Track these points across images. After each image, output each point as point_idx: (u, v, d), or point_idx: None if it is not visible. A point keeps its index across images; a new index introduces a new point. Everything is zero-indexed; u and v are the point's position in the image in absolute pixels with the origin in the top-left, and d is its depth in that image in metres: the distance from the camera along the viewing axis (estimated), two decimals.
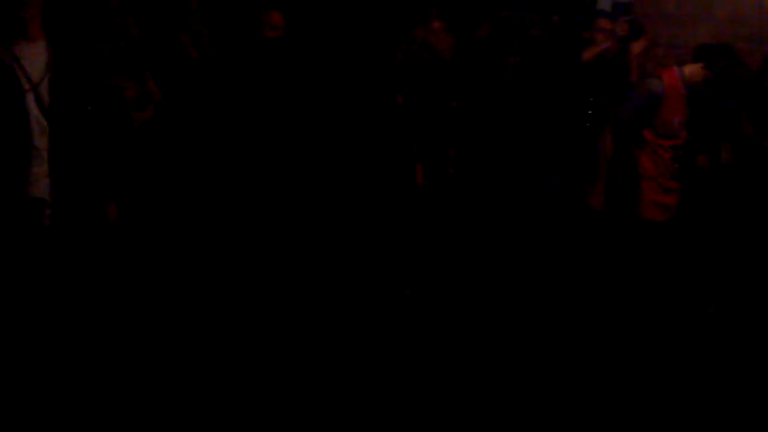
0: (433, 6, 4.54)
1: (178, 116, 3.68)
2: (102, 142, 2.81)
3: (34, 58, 2.59)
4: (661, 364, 3.19)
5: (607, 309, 3.55)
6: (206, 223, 3.77)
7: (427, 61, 4.23)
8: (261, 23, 3.68)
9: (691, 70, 3.31)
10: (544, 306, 3.69)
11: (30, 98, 2.58)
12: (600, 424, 2.79)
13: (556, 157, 4.51)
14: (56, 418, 2.54)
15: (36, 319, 2.69)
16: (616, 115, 3.46)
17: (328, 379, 2.93)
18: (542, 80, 4.56)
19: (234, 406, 2.72)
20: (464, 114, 4.53)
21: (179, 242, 3.69)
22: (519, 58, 4.76)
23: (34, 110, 2.59)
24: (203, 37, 3.89)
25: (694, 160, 3.88)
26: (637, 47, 4.21)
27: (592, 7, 5.11)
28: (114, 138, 2.95)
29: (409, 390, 2.90)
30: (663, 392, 2.99)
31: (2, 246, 2.61)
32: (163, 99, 3.59)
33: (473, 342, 3.32)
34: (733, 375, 3.14)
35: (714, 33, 4.71)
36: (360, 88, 4.18)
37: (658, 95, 3.28)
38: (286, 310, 3.42)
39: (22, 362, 2.66)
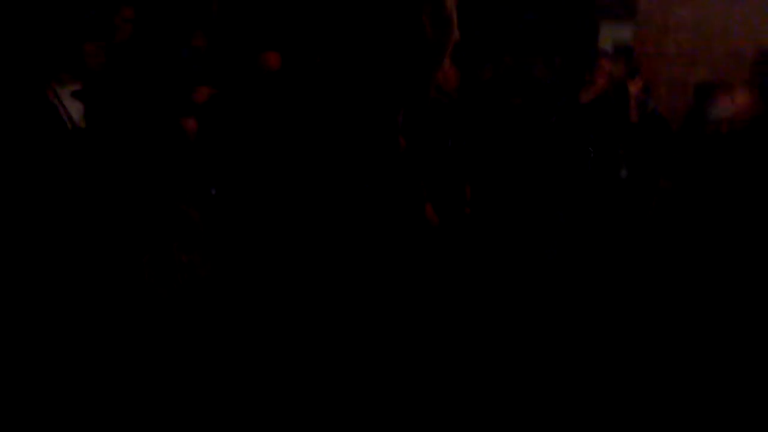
0: None
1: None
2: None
3: (72, 99, 2.71)
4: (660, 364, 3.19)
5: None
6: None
7: (435, 99, 4.11)
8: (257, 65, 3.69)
9: (740, 96, 3.16)
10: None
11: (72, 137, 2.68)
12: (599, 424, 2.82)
13: (554, 227, 4.51)
14: (56, 417, 2.52)
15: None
16: None
17: (327, 380, 2.95)
18: (545, 122, 4.67)
19: (234, 406, 2.68)
20: (471, 154, 4.51)
21: None
22: (522, 100, 4.89)
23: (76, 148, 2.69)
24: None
25: None
26: (633, 87, 4.37)
27: (593, 47, 5.27)
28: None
29: (408, 392, 2.93)
30: (662, 392, 3.01)
31: None
32: None
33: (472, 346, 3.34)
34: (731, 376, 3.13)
35: (713, 71, 4.84)
36: (361, 124, 4.21)
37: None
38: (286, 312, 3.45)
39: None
